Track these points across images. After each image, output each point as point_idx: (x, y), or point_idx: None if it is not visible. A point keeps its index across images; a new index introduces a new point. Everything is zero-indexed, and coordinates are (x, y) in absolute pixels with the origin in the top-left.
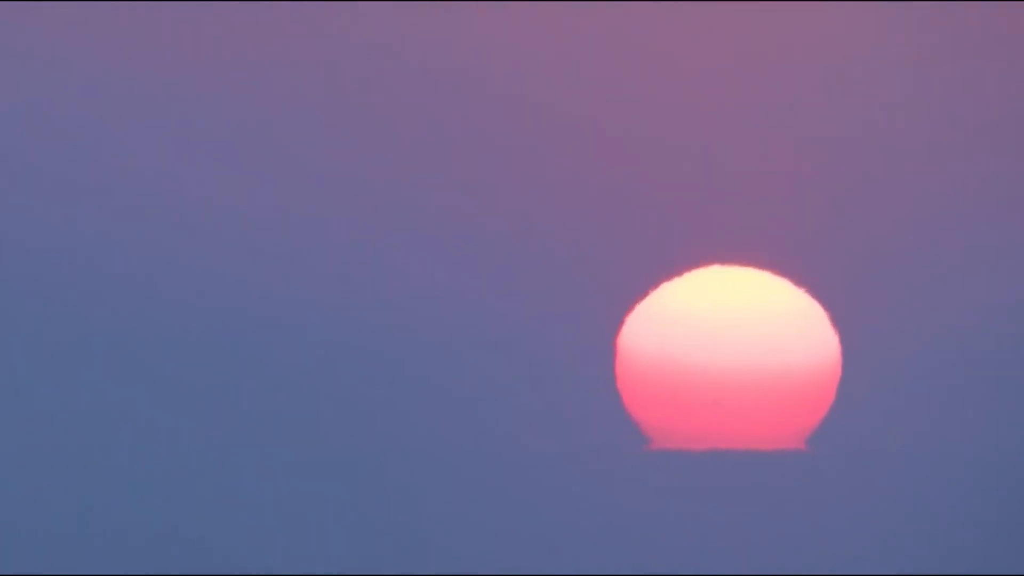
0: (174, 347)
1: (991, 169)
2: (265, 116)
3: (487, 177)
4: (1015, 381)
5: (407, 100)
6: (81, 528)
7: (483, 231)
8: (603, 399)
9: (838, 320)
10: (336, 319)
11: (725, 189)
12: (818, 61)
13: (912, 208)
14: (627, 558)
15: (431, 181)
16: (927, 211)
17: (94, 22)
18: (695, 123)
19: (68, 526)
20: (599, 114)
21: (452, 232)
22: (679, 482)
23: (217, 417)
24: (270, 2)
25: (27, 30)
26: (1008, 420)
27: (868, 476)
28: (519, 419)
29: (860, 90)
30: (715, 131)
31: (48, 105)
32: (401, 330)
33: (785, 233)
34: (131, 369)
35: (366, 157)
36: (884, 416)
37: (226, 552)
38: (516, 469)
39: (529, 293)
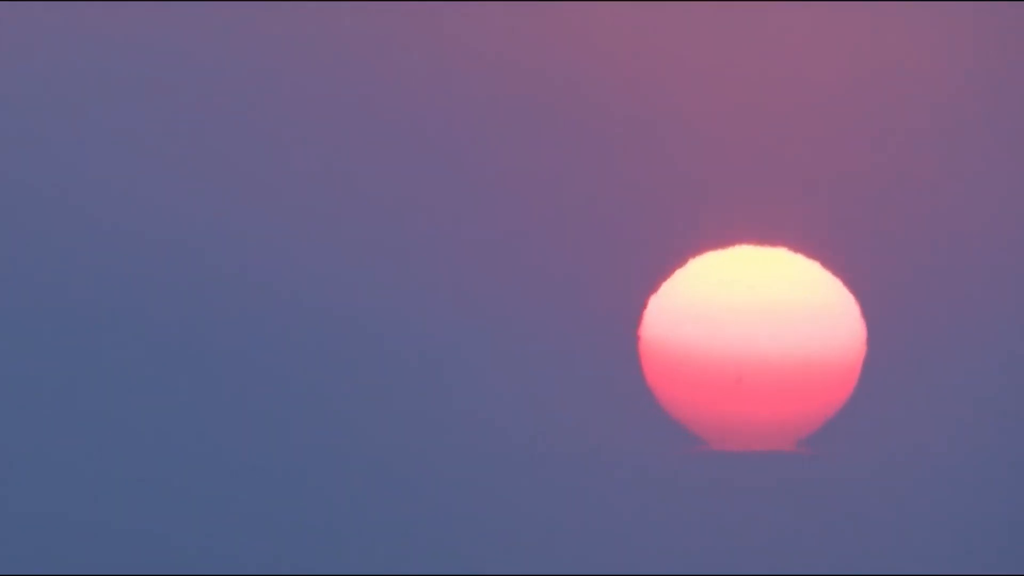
0: (175, 347)
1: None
2: (267, 116)
3: (488, 173)
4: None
5: (421, 100)
6: (79, 528)
7: (484, 231)
8: (634, 394)
9: (867, 310)
10: (358, 319)
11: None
12: (851, 52)
13: (958, 201)
14: (635, 558)
15: (439, 189)
16: (972, 206)
17: (91, 21)
18: (715, 110)
19: (67, 526)
20: (615, 99)
21: (460, 234)
22: (689, 482)
23: (245, 419)
24: (270, 2)
25: (25, 30)
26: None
27: (888, 470)
28: (551, 418)
29: (901, 81)
30: (732, 121)
31: (46, 104)
32: (415, 333)
33: (823, 219)
34: (131, 369)
35: (387, 155)
36: (903, 412)
37: (226, 552)
38: (534, 471)
39: (537, 291)
